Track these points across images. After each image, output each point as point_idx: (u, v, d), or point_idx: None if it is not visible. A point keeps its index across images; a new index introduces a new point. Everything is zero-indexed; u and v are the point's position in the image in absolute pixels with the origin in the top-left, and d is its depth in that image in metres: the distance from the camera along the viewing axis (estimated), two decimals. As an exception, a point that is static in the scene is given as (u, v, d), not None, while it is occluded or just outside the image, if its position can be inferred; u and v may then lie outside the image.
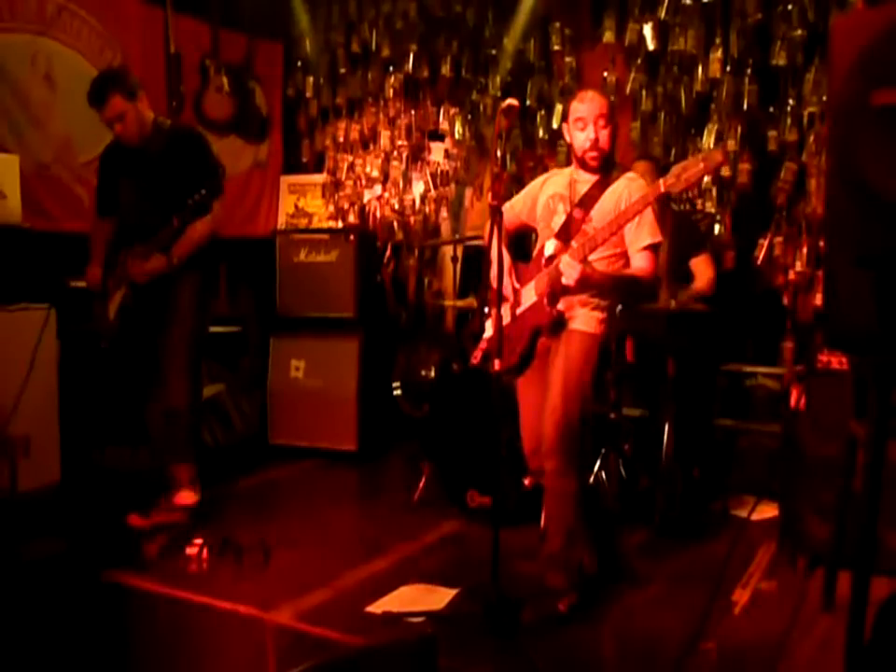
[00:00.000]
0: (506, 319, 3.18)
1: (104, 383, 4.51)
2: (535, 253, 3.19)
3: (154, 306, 3.77)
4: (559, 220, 3.11)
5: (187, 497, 3.74)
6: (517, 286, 3.19)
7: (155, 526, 3.67)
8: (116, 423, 4.54)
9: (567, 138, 3.14)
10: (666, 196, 3.06)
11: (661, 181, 2.73)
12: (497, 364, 2.88)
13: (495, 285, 3.17)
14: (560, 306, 3.04)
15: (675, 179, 2.68)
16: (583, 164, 3.10)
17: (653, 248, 3.02)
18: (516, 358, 3.14)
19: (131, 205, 3.77)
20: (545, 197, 3.21)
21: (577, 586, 2.97)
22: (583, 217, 3.05)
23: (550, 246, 3.05)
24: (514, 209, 3.34)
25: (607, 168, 3.10)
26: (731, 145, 4.58)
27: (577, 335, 3.03)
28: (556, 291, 3.01)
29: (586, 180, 3.12)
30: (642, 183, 3.10)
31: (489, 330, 3.26)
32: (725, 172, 4.61)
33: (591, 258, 2.92)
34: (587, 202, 3.07)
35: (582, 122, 3.03)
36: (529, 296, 3.13)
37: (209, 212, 3.64)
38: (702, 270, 4.14)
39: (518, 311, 3.17)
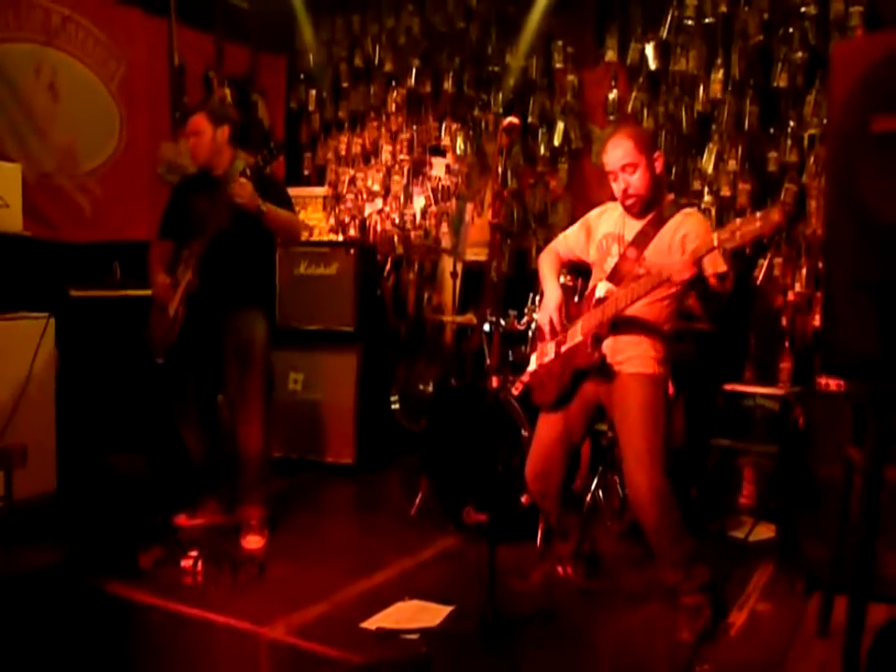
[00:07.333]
0: (550, 355, 3.15)
1: (102, 391, 4.51)
2: (587, 292, 3.13)
3: (214, 331, 3.76)
4: (612, 262, 3.03)
5: (255, 542, 3.71)
6: (566, 322, 3.11)
7: (201, 528, 3.86)
8: (113, 431, 4.53)
9: None
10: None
11: (715, 235, 2.56)
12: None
13: (542, 318, 3.16)
14: (606, 351, 2.96)
15: (729, 235, 2.51)
16: (627, 210, 3.03)
17: (720, 277, 2.82)
18: (553, 395, 3.09)
19: (203, 213, 3.70)
20: (600, 235, 3.13)
21: (709, 599, 2.94)
22: (637, 257, 2.96)
23: (601, 289, 2.97)
24: (568, 243, 3.28)
25: (653, 206, 2.99)
26: (731, 164, 4.61)
27: (634, 380, 2.93)
28: (601, 334, 2.95)
29: (637, 218, 3.04)
30: (699, 219, 2.98)
31: (533, 364, 3.24)
32: (725, 192, 4.64)
33: (640, 302, 2.86)
34: (640, 240, 2.98)
35: (612, 175, 2.98)
36: (575, 335, 3.05)
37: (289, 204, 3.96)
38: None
39: (563, 348, 3.10)
